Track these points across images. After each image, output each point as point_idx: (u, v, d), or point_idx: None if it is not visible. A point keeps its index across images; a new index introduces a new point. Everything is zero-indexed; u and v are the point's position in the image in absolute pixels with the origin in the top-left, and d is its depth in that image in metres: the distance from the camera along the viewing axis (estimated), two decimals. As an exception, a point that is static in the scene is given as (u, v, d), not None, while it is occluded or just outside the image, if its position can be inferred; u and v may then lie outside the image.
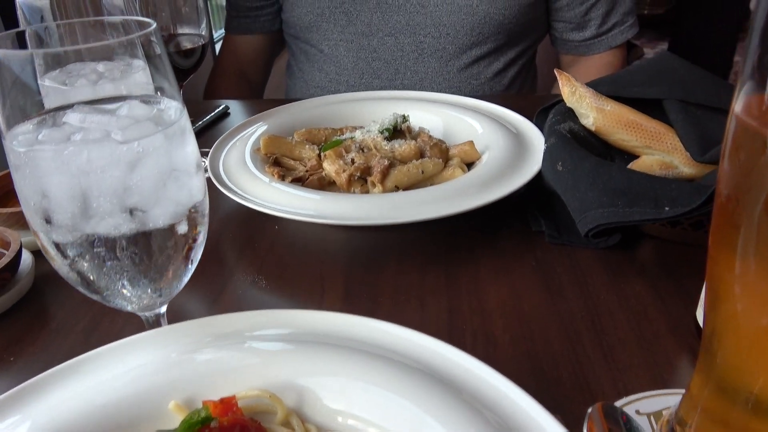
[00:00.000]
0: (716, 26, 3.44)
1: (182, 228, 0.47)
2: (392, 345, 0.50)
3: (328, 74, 1.38)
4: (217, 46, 2.77)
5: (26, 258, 0.72)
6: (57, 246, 0.43)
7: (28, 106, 0.44)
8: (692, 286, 0.66)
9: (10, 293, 0.67)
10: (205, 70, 1.44)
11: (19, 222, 0.77)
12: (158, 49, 0.46)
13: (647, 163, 0.82)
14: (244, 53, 1.50)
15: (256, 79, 1.55)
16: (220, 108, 1.26)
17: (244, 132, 0.97)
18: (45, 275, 0.73)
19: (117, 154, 0.41)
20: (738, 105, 0.33)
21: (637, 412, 0.51)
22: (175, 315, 0.65)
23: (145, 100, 0.47)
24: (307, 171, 0.85)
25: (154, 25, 0.44)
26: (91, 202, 0.41)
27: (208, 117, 1.21)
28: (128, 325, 0.64)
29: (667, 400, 0.52)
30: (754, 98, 0.33)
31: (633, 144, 0.83)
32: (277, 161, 0.89)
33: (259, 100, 1.46)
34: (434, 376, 0.47)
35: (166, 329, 0.52)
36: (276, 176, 0.80)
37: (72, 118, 0.44)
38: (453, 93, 1.33)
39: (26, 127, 0.43)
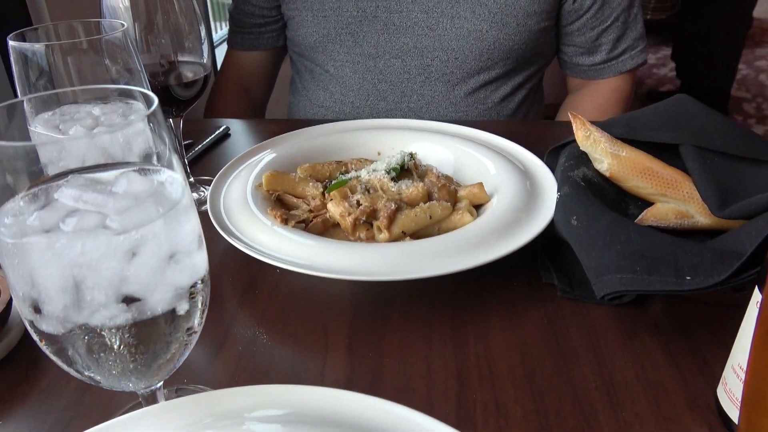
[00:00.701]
0: (719, 32, 3.42)
1: (183, 308, 0.44)
2: (399, 429, 0.48)
3: (333, 94, 1.35)
4: (218, 52, 2.74)
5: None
6: (46, 336, 0.40)
7: (16, 178, 0.41)
8: (708, 353, 0.64)
9: (1, 345, 0.64)
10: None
11: (11, 263, 0.74)
12: (160, 121, 0.43)
13: (662, 210, 0.80)
14: (248, 69, 1.47)
15: (258, 94, 1.52)
16: (221, 129, 1.23)
17: (246, 163, 0.94)
18: (37, 322, 0.70)
19: (113, 244, 0.38)
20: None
21: (657, 506, 0.48)
22: (172, 375, 0.62)
23: (144, 170, 0.44)
24: (311, 211, 0.82)
25: (156, 102, 0.41)
26: (84, 294, 0.38)
27: (208, 139, 1.18)
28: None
29: (688, 490, 0.50)
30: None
31: (648, 191, 0.81)
32: (279, 199, 0.86)
33: (261, 120, 1.43)
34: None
35: (163, 408, 0.49)
36: (279, 220, 0.77)
37: (65, 195, 0.41)
38: (459, 117, 1.31)
39: (15, 205, 0.40)
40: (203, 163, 1.13)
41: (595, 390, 0.60)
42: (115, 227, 0.38)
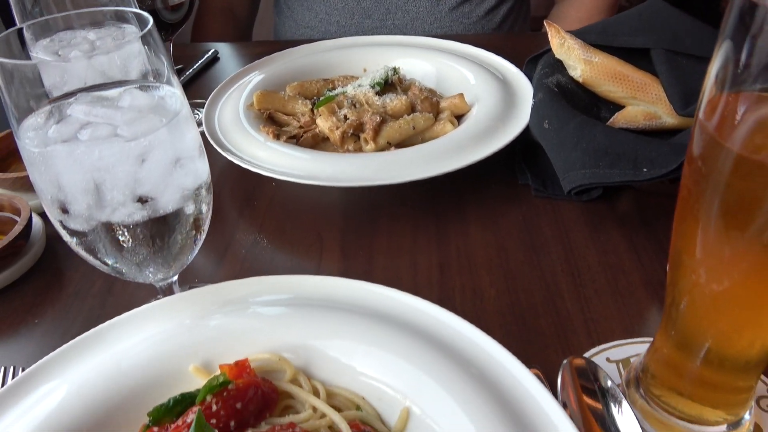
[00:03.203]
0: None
1: (190, 208, 0.50)
2: (388, 307, 0.55)
3: (317, 14, 1.36)
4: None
5: (37, 222, 0.75)
6: (74, 233, 0.46)
7: (33, 98, 0.46)
8: (665, 238, 0.71)
9: (26, 259, 0.71)
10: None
11: (25, 186, 0.79)
12: (155, 39, 0.47)
13: (632, 113, 0.85)
14: (231, -11, 1.46)
15: (243, 15, 1.52)
16: (210, 53, 1.25)
17: (237, 84, 0.97)
18: (56, 238, 0.76)
19: (126, 150, 0.43)
20: (701, 109, 0.36)
21: (607, 359, 0.56)
22: (185, 276, 0.69)
23: (143, 87, 0.49)
24: (301, 127, 0.87)
25: (151, 21, 0.45)
26: (104, 194, 0.44)
27: (198, 64, 1.21)
28: (141, 287, 0.68)
29: (635, 349, 0.58)
30: (715, 100, 0.36)
31: (619, 95, 0.85)
32: (270, 117, 0.90)
33: (248, 43, 1.44)
34: (429, 338, 0.52)
35: (178, 297, 0.56)
36: (271, 135, 0.82)
37: (77, 110, 0.46)
38: (444, 32, 1.33)
39: (35, 121, 0.45)
40: (195, 87, 1.16)
41: (560, 273, 0.67)
42: (125, 135, 0.44)
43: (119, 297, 0.68)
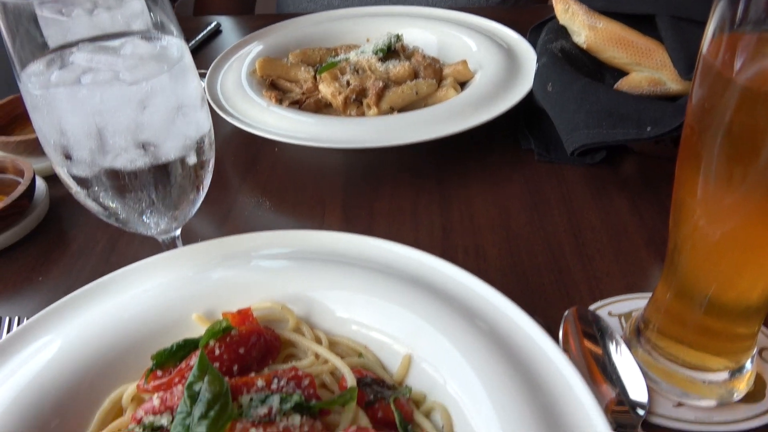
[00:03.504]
0: None
1: (192, 159, 0.50)
2: (390, 260, 0.55)
3: (320, -13, 1.35)
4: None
5: (40, 185, 0.76)
6: (78, 180, 0.46)
7: (35, 46, 0.46)
8: (668, 200, 0.70)
9: (29, 219, 0.71)
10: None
11: (28, 149, 0.80)
12: (157, -13, 0.47)
13: (636, 79, 0.84)
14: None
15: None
16: (212, 26, 1.24)
17: (239, 53, 0.97)
18: (60, 200, 0.77)
19: (127, 95, 0.43)
20: (705, 45, 0.36)
21: (609, 313, 0.57)
22: (188, 236, 0.70)
23: (146, 36, 0.49)
24: (303, 94, 0.87)
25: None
26: (107, 139, 0.44)
27: (200, 36, 1.20)
28: (144, 245, 0.69)
29: (636, 303, 0.58)
30: (719, 38, 0.36)
31: (623, 61, 0.85)
32: (273, 83, 0.90)
33: (250, 16, 1.43)
34: (429, 288, 0.52)
35: (181, 250, 0.57)
36: (273, 100, 0.82)
37: (79, 57, 0.46)
38: (449, 5, 1.32)
39: (37, 67, 0.45)
40: (197, 59, 1.15)
41: (563, 233, 0.67)
42: (127, 79, 0.44)
43: (123, 256, 0.68)
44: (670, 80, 0.83)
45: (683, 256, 0.44)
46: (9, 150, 0.80)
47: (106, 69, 0.45)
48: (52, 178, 0.79)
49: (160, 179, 0.48)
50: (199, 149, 0.51)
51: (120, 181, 0.46)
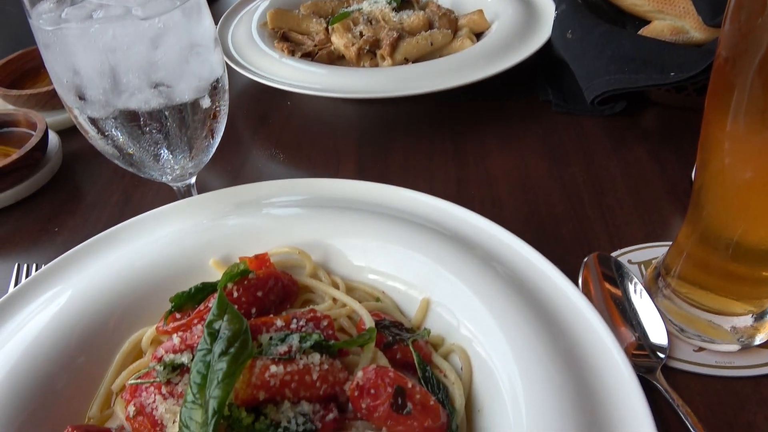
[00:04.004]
0: None
1: (206, 102, 0.49)
2: (405, 207, 0.55)
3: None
4: None
5: (53, 138, 0.75)
6: (92, 122, 0.46)
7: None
8: (691, 151, 0.69)
9: (43, 171, 0.71)
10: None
11: (40, 103, 0.79)
12: None
13: (658, 28, 0.82)
14: None
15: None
16: (221, -19, 1.22)
17: (249, 6, 0.95)
18: (73, 155, 0.77)
19: (140, 31, 0.42)
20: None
21: (629, 261, 0.56)
22: (202, 190, 0.69)
23: (158, -26, 0.48)
24: (315, 45, 0.85)
25: None
26: (120, 78, 0.43)
27: (209, -9, 1.18)
28: (158, 197, 0.68)
29: (657, 252, 0.57)
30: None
31: (645, 9, 0.82)
32: (284, 36, 0.88)
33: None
34: (446, 234, 0.51)
35: (195, 199, 0.56)
36: (286, 52, 0.80)
37: (90, -6, 0.45)
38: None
39: (48, 5, 0.44)
40: (207, 15, 1.14)
41: (582, 184, 0.66)
42: (139, 14, 0.42)
43: (137, 207, 0.68)
44: (693, 29, 0.80)
45: (710, 196, 0.43)
46: (21, 104, 0.79)
47: (118, 4, 0.44)
48: (65, 133, 0.78)
49: (174, 121, 0.47)
50: (213, 93, 0.50)
51: (135, 122, 0.46)
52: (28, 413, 0.40)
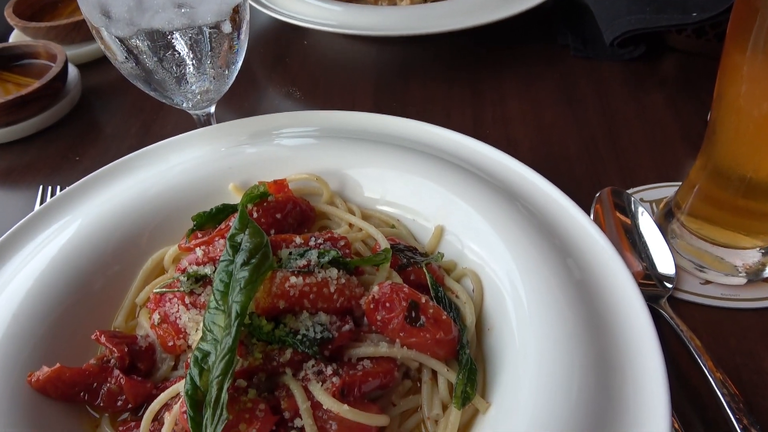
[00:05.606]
0: None
1: (227, 27, 0.50)
2: (421, 138, 0.55)
3: None
4: None
5: (72, 70, 0.76)
6: (118, 40, 0.46)
7: None
8: (708, 99, 0.68)
9: (63, 102, 0.72)
10: None
11: (59, 36, 0.79)
12: None
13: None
14: None
15: None
16: None
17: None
18: (92, 89, 0.77)
19: (165, -53, 0.42)
20: None
21: (642, 199, 0.56)
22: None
23: None
24: (333, -16, 0.84)
25: None
26: (144, -4, 0.44)
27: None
28: (177, 128, 0.69)
29: (669, 191, 0.58)
30: None
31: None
32: (302, -25, 0.87)
33: None
34: (460, 165, 0.52)
35: (215, 127, 0.57)
36: (304, -11, 0.80)
37: None
38: None
39: None
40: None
41: (597, 127, 0.66)
42: (164, -69, 0.42)
43: (157, 138, 0.69)
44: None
45: (725, 127, 0.43)
46: (40, 37, 0.79)
47: (141, -76, 0.44)
48: (83, 68, 0.79)
49: (196, 42, 0.47)
50: (233, 19, 0.50)
51: (158, 42, 0.46)
52: (65, 308, 0.42)
